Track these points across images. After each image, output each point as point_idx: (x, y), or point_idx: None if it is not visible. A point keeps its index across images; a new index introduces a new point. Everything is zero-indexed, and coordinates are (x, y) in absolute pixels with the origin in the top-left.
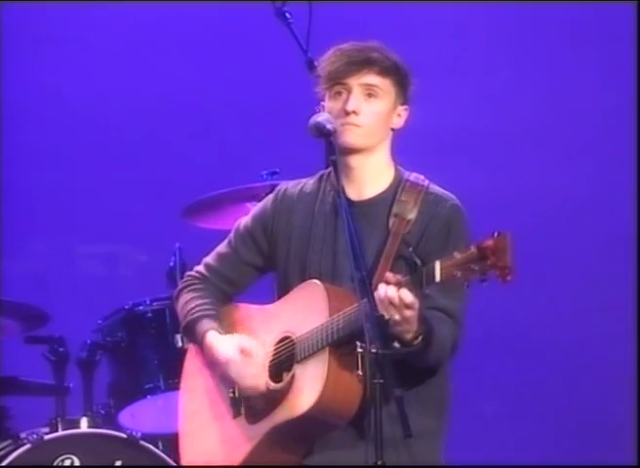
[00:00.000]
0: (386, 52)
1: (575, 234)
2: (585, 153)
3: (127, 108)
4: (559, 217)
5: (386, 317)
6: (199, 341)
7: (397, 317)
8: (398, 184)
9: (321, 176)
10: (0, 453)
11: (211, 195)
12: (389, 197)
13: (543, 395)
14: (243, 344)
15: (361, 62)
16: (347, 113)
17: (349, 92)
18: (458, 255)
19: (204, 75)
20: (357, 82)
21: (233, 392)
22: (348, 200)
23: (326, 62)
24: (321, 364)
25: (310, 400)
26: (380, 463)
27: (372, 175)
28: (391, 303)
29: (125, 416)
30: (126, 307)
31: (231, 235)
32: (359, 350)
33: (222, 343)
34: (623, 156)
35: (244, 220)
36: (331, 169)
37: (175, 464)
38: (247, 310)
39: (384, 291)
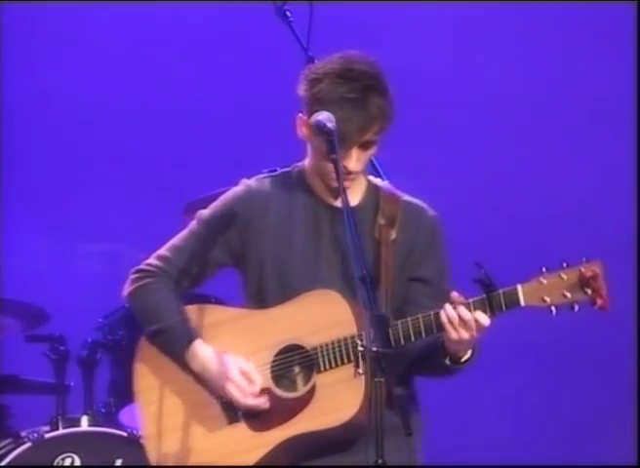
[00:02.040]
0: (384, 88)
1: (574, 234)
2: (585, 153)
3: (126, 108)
4: (559, 217)
5: (454, 337)
6: (179, 348)
7: (467, 337)
8: (375, 192)
9: (288, 174)
10: (1, 452)
11: (211, 193)
12: (371, 205)
13: (543, 395)
14: (242, 367)
15: (364, 124)
16: (348, 172)
17: (348, 149)
18: (544, 280)
19: (204, 74)
20: (357, 143)
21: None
22: (333, 206)
23: (326, 106)
24: (355, 378)
25: (351, 411)
26: (380, 462)
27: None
28: (465, 325)
29: (125, 415)
30: (126, 306)
31: (194, 227)
32: (360, 349)
33: (219, 360)
34: (623, 156)
35: (209, 213)
36: (298, 166)
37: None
38: (227, 313)
39: (458, 312)
